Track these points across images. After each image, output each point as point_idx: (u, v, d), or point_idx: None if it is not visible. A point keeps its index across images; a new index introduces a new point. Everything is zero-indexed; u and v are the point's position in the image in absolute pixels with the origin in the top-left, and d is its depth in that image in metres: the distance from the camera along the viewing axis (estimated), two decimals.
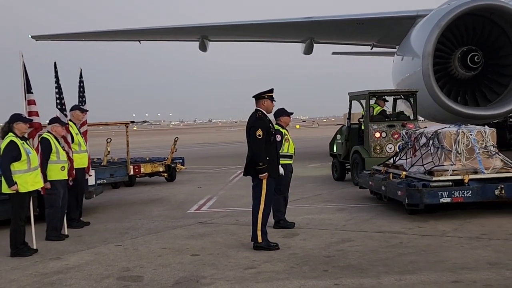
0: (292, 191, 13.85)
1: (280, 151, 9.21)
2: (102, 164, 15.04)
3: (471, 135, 9.89)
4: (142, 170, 14.95)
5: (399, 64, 20.25)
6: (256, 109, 7.99)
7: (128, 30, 29.58)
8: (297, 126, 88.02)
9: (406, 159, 10.99)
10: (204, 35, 27.16)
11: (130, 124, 13.51)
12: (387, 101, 14.99)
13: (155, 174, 16.06)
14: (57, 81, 9.59)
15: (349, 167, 15.13)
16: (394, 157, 11.69)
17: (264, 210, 7.88)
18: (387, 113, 14.81)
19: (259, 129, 7.73)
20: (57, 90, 9.61)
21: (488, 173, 9.61)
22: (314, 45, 26.98)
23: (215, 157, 28.19)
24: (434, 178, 9.49)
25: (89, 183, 11.24)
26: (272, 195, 8.04)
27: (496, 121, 24.24)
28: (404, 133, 11.64)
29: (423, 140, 10.45)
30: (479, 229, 8.75)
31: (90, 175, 10.80)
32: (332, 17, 23.99)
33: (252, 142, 7.80)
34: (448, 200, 9.25)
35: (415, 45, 18.33)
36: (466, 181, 9.42)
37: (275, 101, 8.11)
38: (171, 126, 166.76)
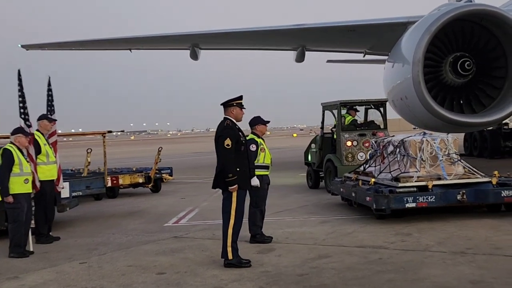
0: (277, 202, 13.51)
1: (256, 161, 8.77)
2: (82, 175, 14.55)
3: (434, 143, 10.35)
4: (121, 181, 14.45)
5: (389, 71, 19.78)
6: (224, 117, 7.55)
7: (118, 39, 29.15)
8: (294, 135, 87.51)
9: (375, 166, 11.42)
10: (195, 43, 26.70)
11: (107, 133, 13.05)
12: (358, 111, 15.46)
13: (135, 186, 15.55)
14: (21, 89, 9.15)
15: (322, 175, 15.45)
16: (364, 165, 12.12)
17: (234, 225, 7.41)
18: (358, 122, 15.25)
19: (228, 139, 7.28)
20: (20, 99, 9.17)
21: (450, 179, 10.08)
22: (306, 52, 26.52)
23: (206, 167, 27.63)
24: (400, 184, 9.94)
25: (63, 196, 10.78)
26: (243, 208, 7.56)
27: (490, 128, 23.88)
28: (373, 142, 12.09)
29: (391, 148, 10.96)
30: (464, 242, 8.28)
31: (62, 188, 10.32)
32: (323, 24, 23.52)
33: (220, 152, 7.35)
34: (413, 205, 9.64)
35: (405, 52, 17.87)
36: (430, 187, 9.83)
37: (244, 108, 7.66)
38: (169, 135, 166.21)
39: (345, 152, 14.38)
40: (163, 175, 19.73)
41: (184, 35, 26.96)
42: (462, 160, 10.58)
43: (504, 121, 23.67)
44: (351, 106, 15.01)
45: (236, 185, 7.30)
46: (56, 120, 10.12)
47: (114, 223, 11.52)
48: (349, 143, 14.40)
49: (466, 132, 25.27)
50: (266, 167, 8.96)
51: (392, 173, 10.53)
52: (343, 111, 15.06)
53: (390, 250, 8.05)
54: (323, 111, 15.86)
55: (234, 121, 7.52)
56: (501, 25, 17.03)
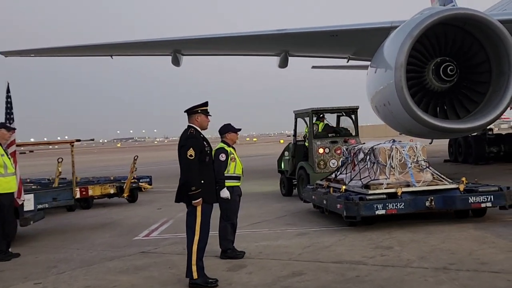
0: (255, 212, 12.93)
1: (226, 172, 8.19)
2: (53, 185, 13.88)
3: (403, 150, 10.42)
4: (90, 192, 13.78)
5: (372, 77, 19.30)
6: (188, 126, 6.96)
7: (99, 45, 28.50)
8: (281, 141, 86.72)
9: (346, 173, 11.48)
10: (176, 49, 26.11)
11: (76, 142, 12.40)
12: (325, 118, 15.59)
13: (109, 196, 14.88)
14: None
15: (295, 182, 15.37)
16: (336, 172, 12.17)
17: (199, 242, 6.82)
18: (330, 126, 15.45)
19: (191, 149, 6.69)
20: None
21: (419, 186, 10.15)
22: (290, 58, 26.04)
23: None
24: (370, 192, 9.94)
25: (27, 209, 10.14)
26: (208, 224, 6.97)
27: (474, 134, 23.45)
28: (344, 149, 12.16)
29: (361, 155, 11.01)
30: (447, 257, 7.73)
31: (23, 200, 9.68)
32: (305, 29, 22.98)
33: (183, 163, 6.76)
34: (383, 211, 9.66)
35: (388, 57, 17.39)
36: (399, 193, 9.87)
37: (210, 115, 7.08)
38: (156, 142, 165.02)
39: (317, 159, 14.35)
40: (141, 184, 19.13)
41: (166, 41, 26.38)
42: (430, 167, 10.62)
43: (488, 127, 23.30)
44: (320, 114, 15.23)
45: (200, 199, 6.71)
46: (15, 129, 9.49)
47: (81, 237, 10.87)
48: (321, 150, 14.39)
49: (450, 138, 24.81)
50: (237, 178, 8.37)
51: (362, 180, 10.58)
52: (315, 119, 15.16)
53: (368, 266, 7.48)
54: (295, 119, 15.85)
55: (199, 129, 6.94)
56: (484, 29, 16.61)
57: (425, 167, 10.49)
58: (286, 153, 16.22)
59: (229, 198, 8.12)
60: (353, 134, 15.07)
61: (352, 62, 29.19)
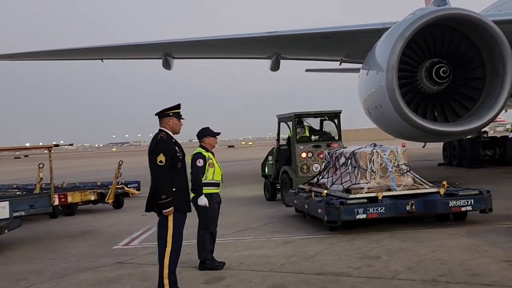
0: (242, 219, 12.48)
1: (203, 178, 7.74)
2: (34, 192, 13.41)
3: (384, 154, 10.35)
4: (70, 199, 13.28)
5: (364, 79, 18.87)
6: (159, 130, 6.51)
7: (89, 48, 27.96)
8: None
9: (328, 178, 11.45)
10: (167, 52, 25.68)
11: (54, 147, 11.94)
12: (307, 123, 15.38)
13: (94, 202, 14.40)
14: None
15: (279, 187, 15.26)
16: (318, 176, 12.10)
17: (171, 254, 6.37)
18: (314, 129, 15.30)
19: (161, 154, 6.23)
20: None
21: (400, 190, 10.07)
22: (281, 61, 25.61)
23: None
24: (351, 196, 9.86)
25: (1, 217, 9.70)
26: (181, 234, 6.51)
27: (469, 137, 23.03)
28: (326, 153, 12.08)
29: (342, 159, 10.92)
30: (437, 268, 7.28)
31: None
32: (296, 31, 22.57)
33: (153, 170, 6.30)
34: (364, 216, 9.56)
35: (380, 58, 16.97)
36: (380, 198, 9.79)
37: (183, 119, 6.63)
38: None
39: (300, 163, 14.26)
40: (129, 189, 18.70)
41: (156, 44, 25.96)
42: (411, 171, 10.54)
43: (483, 130, 22.89)
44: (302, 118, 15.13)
45: (171, 208, 6.26)
46: None
47: (59, 246, 10.40)
48: (304, 155, 14.32)
49: (444, 141, 24.38)
50: (215, 185, 7.91)
51: (343, 184, 10.52)
52: (304, 123, 15.14)
53: (353, 278, 7.04)
54: (279, 123, 15.77)
55: (171, 133, 6.48)
56: (477, 30, 16.19)
57: (406, 171, 10.42)
58: (270, 157, 16.13)
59: (207, 206, 7.69)
60: (336, 138, 15.02)
61: (347, 65, 28.91)
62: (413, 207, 9.78)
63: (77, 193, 13.66)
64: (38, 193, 13.19)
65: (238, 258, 8.49)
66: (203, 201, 7.66)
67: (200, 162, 7.72)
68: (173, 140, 6.46)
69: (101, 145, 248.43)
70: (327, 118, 15.49)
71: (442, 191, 10.13)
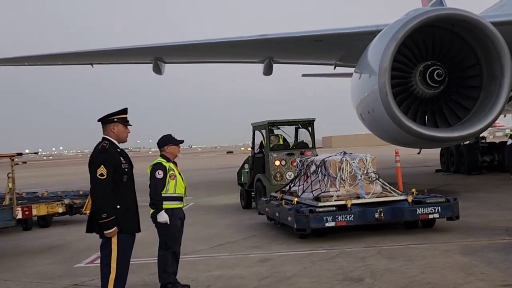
0: (223, 231, 11.57)
1: (164, 191, 6.84)
2: (4, 203, 12.46)
3: (353, 162, 10.32)
4: (34, 212, 12.31)
5: (356, 83, 17.98)
6: (102, 138, 5.61)
7: (78, 53, 27.15)
8: None
9: (299, 185, 11.35)
10: (157, 56, 24.85)
11: (17, 156, 11.04)
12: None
13: (54, 215, 13.35)
14: None
15: (254, 195, 15.09)
16: (290, 184, 12.04)
17: (116, 281, 5.46)
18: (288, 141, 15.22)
19: (102, 166, 5.34)
20: None
21: (368, 198, 10.01)
22: (274, 65, 24.75)
23: None
24: (320, 204, 9.81)
25: None
26: (128, 258, 5.61)
27: (466, 142, 22.09)
28: (298, 161, 12.02)
29: (313, 167, 10.85)
30: None
31: None
32: (287, 34, 21.64)
33: (92, 184, 5.41)
34: (333, 224, 9.47)
35: (372, 61, 16.08)
36: (348, 205, 9.73)
37: (130, 125, 5.73)
38: (150, 153, 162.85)
39: (274, 171, 14.21)
40: None
41: (146, 48, 25.12)
42: (380, 179, 10.49)
43: (481, 135, 21.97)
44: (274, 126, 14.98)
45: (114, 229, 5.36)
46: None
47: (18, 264, 9.49)
48: (277, 163, 14.25)
49: (441, 147, 23.43)
50: (178, 199, 7.00)
51: (313, 192, 10.44)
52: (277, 131, 15.06)
53: None
54: (253, 131, 15.69)
55: (116, 142, 5.58)
56: (473, 30, 15.30)
57: (375, 179, 10.38)
58: (246, 165, 15.84)
59: (168, 222, 6.79)
60: (310, 146, 14.84)
61: (342, 70, 28.01)
62: (382, 215, 9.74)
63: (43, 205, 12.69)
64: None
65: (207, 280, 7.59)
66: (163, 217, 6.77)
67: (159, 174, 6.83)
68: (118, 150, 5.55)
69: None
70: (300, 126, 15.29)
71: (410, 198, 10.07)
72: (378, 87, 15.19)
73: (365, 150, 58.19)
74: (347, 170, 10.24)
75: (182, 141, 7.17)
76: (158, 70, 25.38)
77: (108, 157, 5.38)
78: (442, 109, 16.33)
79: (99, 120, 5.62)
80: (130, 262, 8.32)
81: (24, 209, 11.77)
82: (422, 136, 15.29)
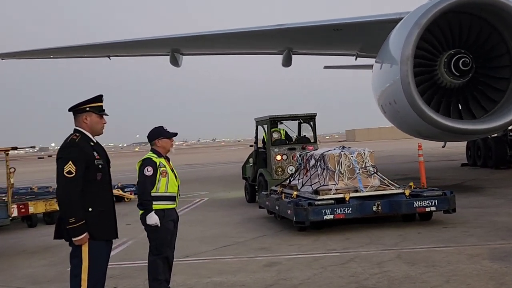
0: (231, 230, 10.81)
1: (154, 190, 6.06)
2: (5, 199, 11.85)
3: (352, 156, 10.37)
4: (31, 209, 11.57)
5: (377, 73, 17.05)
6: (74, 130, 4.83)
7: (96, 45, 26.75)
8: None
9: (299, 179, 11.39)
10: (174, 48, 24.20)
11: (11, 150, 10.36)
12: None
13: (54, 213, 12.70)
14: None
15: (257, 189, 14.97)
16: (290, 178, 12.07)
17: None
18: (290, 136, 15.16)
19: (70, 163, 4.57)
20: None
21: (366, 191, 10.07)
22: (294, 56, 23.90)
23: (190, 181, 24.96)
24: (319, 197, 9.88)
25: None
26: (102, 269, 4.81)
27: (494, 135, 20.94)
28: (298, 155, 12.11)
29: (312, 162, 10.89)
30: None
31: None
32: (307, 23, 20.78)
33: (59, 183, 4.64)
34: (331, 216, 9.56)
35: (393, 50, 15.14)
36: (347, 199, 9.81)
37: (106, 115, 4.94)
38: (173, 146, 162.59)
39: (275, 166, 14.13)
40: (123, 194, 17.27)
41: (163, 39, 24.55)
42: (378, 173, 10.52)
43: (510, 127, 20.81)
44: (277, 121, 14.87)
45: (84, 235, 4.59)
46: None
47: (11, 265, 8.85)
48: (278, 157, 14.19)
49: (467, 140, 22.30)
50: (170, 198, 6.20)
51: (313, 186, 10.49)
52: (281, 126, 14.97)
53: None
54: (256, 126, 15.60)
55: (89, 134, 4.80)
56: (504, 16, 14.29)
57: (373, 172, 10.42)
58: (251, 159, 15.78)
59: (158, 225, 6.02)
60: (312, 141, 14.73)
61: (365, 61, 27.00)
62: (379, 208, 9.81)
63: (41, 202, 12.01)
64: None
65: (206, 287, 6.81)
66: (152, 219, 6.00)
67: (148, 171, 6.04)
68: (92, 144, 4.77)
69: (125, 145, 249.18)
70: (302, 121, 15.18)
71: (407, 192, 10.12)
72: (400, 76, 14.27)
73: (388, 144, 56.81)
74: (345, 164, 10.29)
75: (175, 134, 6.37)
76: (175, 62, 24.73)
77: (78, 152, 4.60)
78: (468, 99, 15.34)
79: (69, 110, 4.84)
80: (130, 265, 7.64)
81: (20, 206, 11.10)
82: (448, 128, 14.34)
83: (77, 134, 4.73)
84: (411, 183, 10.63)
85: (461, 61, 14.23)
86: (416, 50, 14.14)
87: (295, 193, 10.63)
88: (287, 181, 12.04)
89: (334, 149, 10.82)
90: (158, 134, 6.27)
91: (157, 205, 6.06)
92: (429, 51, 14.90)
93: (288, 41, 22.30)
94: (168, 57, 24.82)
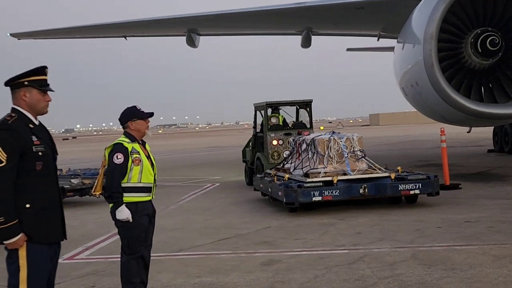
0: (235, 220, 9.96)
1: (125, 180, 5.21)
2: None
3: (341, 141, 10.69)
4: None
5: (399, 55, 15.94)
6: (11, 108, 3.96)
7: (112, 24, 25.93)
8: (321, 128, 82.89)
9: (291, 163, 11.68)
10: (191, 28, 23.27)
11: None
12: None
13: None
14: None
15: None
16: (284, 162, 12.42)
17: None
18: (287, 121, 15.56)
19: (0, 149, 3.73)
20: None
21: (354, 175, 10.38)
22: (313, 37, 22.81)
23: (206, 165, 24.18)
24: (308, 180, 10.20)
25: None
26: (44, 277, 3.93)
27: None
28: (291, 140, 12.47)
29: (304, 146, 11.22)
30: None
31: None
32: (326, 1, 19.60)
33: None
34: (319, 198, 9.91)
35: (416, 28, 14.02)
36: (335, 181, 10.13)
37: (51, 90, 4.04)
38: (197, 129, 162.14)
39: (271, 150, 14.53)
40: None
41: (179, 18, 23.63)
42: (366, 157, 10.81)
43: None
44: (275, 107, 15.29)
45: (18, 237, 3.74)
46: None
47: None
48: (275, 142, 14.56)
49: (495, 126, 21.05)
50: (144, 190, 5.33)
51: (303, 169, 10.83)
52: (280, 112, 15.31)
53: None
54: (255, 112, 15.89)
55: (28, 114, 3.93)
56: None
57: (360, 157, 10.73)
58: (250, 143, 16.15)
59: (130, 220, 5.18)
60: (308, 126, 14.98)
61: (388, 43, 25.77)
62: (366, 190, 10.11)
63: None
64: None
65: None
66: (123, 213, 5.17)
67: (118, 158, 5.18)
68: (31, 126, 3.90)
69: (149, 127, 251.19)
70: (299, 107, 15.48)
71: (393, 175, 10.44)
72: (422, 57, 13.21)
73: (413, 128, 55.30)
74: (334, 149, 10.59)
75: (150, 114, 5.46)
76: (192, 42, 23.81)
77: (10, 136, 3.75)
78: (496, 82, 14.19)
79: (6, 84, 3.97)
80: (117, 259, 6.72)
81: None
82: (474, 113, 13.31)
83: (13, 114, 3.86)
84: (399, 168, 11.01)
85: (488, 40, 13.06)
86: (440, 29, 13.04)
87: (287, 176, 10.94)
88: (281, 165, 12.40)
89: (324, 134, 11.11)
90: (130, 115, 5.39)
91: (128, 197, 5.21)
92: (456, 29, 13.76)
93: (307, 20, 21.20)
94: (184, 38, 24.02)
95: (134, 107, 5.43)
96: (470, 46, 13.69)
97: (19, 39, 26.74)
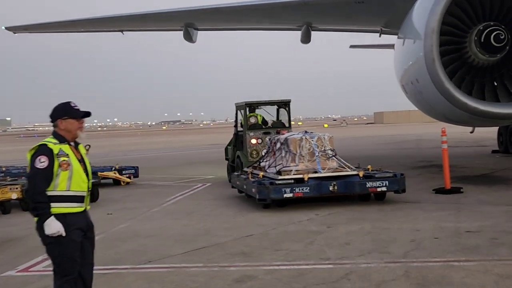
0: (218, 226, 9.14)
1: (51, 188, 4.36)
2: None
3: (312, 141, 10.94)
4: None
5: (400, 51, 15.05)
6: None
7: (108, 18, 25.15)
8: (325, 125, 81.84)
9: (267, 161, 11.99)
10: (188, 22, 22.47)
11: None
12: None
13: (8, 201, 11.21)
14: None
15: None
16: (260, 160, 12.66)
17: None
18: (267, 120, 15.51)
19: None
20: None
21: (324, 173, 10.66)
22: (312, 32, 21.94)
23: (202, 162, 23.32)
24: (280, 177, 10.54)
25: None
26: None
27: None
28: (267, 139, 12.70)
29: (278, 145, 11.53)
30: None
31: None
32: None
33: None
34: (291, 195, 10.20)
35: (417, 22, 13.14)
36: (305, 179, 10.36)
37: None
38: (201, 125, 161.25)
39: (250, 149, 14.64)
40: (119, 177, 15.79)
41: (175, 12, 22.90)
42: (337, 156, 11.02)
43: None
44: (254, 106, 15.29)
45: None
46: None
47: None
48: (253, 141, 14.66)
49: (500, 126, 20.12)
50: (74, 199, 4.48)
51: (277, 167, 11.13)
52: (260, 111, 15.43)
53: None
54: (236, 111, 15.93)
55: None
56: None
57: (331, 155, 10.96)
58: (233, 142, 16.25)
59: (63, 234, 4.33)
60: (286, 126, 15.05)
61: (392, 39, 24.85)
62: (335, 188, 10.37)
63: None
64: None
65: None
66: (53, 227, 4.31)
67: (41, 162, 4.31)
68: None
69: (153, 123, 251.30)
70: (278, 107, 15.58)
71: (361, 173, 10.70)
72: (423, 53, 12.33)
73: (418, 127, 54.43)
74: (306, 148, 10.82)
75: (87, 114, 4.59)
76: (189, 37, 23.01)
77: None
78: (501, 80, 13.29)
79: None
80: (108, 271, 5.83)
81: None
82: (477, 112, 12.43)
83: None
84: (369, 166, 11.29)
85: (492, 35, 12.17)
86: (442, 24, 12.15)
87: (261, 173, 11.25)
88: (258, 163, 12.65)
89: (297, 134, 11.31)
90: (62, 112, 4.52)
91: (55, 208, 4.36)
92: (459, 24, 12.85)
93: (307, 16, 20.34)
94: (181, 32, 23.22)
95: (68, 103, 4.57)
96: (474, 42, 12.78)
97: (14, 33, 26.01)
